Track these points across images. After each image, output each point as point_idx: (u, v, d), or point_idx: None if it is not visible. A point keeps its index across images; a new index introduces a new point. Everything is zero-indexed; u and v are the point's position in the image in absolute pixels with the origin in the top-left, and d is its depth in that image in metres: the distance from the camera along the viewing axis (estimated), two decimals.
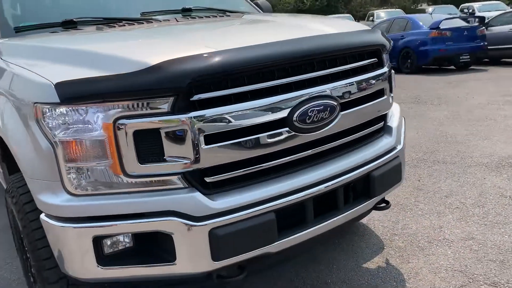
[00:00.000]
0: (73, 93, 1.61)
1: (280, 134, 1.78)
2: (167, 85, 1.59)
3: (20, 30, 2.54)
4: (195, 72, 1.61)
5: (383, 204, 2.34)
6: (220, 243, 1.69)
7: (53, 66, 1.85)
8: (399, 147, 2.27)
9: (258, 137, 1.74)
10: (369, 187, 2.09)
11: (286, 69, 1.80)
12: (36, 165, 1.74)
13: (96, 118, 1.62)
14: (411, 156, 4.62)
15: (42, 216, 1.75)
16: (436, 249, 2.79)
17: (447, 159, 4.50)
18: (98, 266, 1.69)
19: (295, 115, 1.78)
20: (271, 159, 1.81)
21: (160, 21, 2.63)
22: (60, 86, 1.61)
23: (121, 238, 1.72)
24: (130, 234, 1.72)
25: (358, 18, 31.35)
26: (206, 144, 1.65)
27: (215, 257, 1.70)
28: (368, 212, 2.32)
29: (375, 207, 2.29)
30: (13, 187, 2.04)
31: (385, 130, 2.28)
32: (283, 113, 1.76)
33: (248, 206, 1.74)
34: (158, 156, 1.65)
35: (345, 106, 1.97)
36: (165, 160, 1.65)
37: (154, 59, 1.64)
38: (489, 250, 2.74)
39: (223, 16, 2.93)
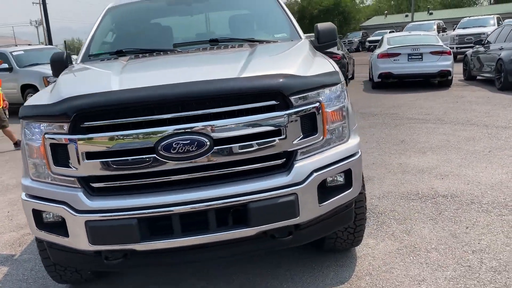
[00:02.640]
0: (25, 113, 2.47)
1: (148, 159, 2.24)
2: (63, 114, 2.28)
3: (91, 55, 3.59)
4: (78, 107, 2.25)
5: (288, 236, 2.46)
6: (92, 232, 2.30)
7: (61, 85, 2.70)
8: (300, 186, 2.35)
9: (127, 159, 2.25)
10: (246, 217, 2.31)
11: (152, 108, 2.25)
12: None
13: (39, 131, 2.43)
14: None
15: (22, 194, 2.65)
16: None
17: None
18: (37, 229, 2.52)
19: (160, 146, 2.22)
20: (143, 177, 2.29)
21: (175, 52, 3.29)
22: (22, 108, 2.49)
23: (49, 214, 2.50)
24: (51, 213, 2.48)
25: None
26: (87, 159, 2.28)
27: (90, 241, 2.32)
28: (268, 242, 2.48)
29: (274, 237, 2.44)
30: None
31: (288, 168, 2.39)
32: (149, 143, 2.22)
33: (115, 210, 2.28)
34: (64, 162, 2.35)
35: (220, 142, 2.26)
36: (67, 166, 2.34)
37: (68, 94, 2.35)
38: None
39: (241, 46, 3.33)
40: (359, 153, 2.68)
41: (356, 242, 3.13)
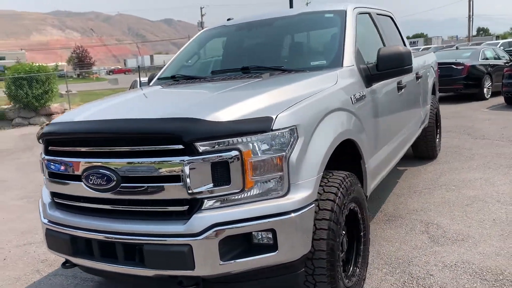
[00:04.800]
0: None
1: (79, 184, 2.50)
2: (40, 138, 2.76)
3: (160, 78, 4.05)
4: (44, 132, 2.68)
5: (196, 286, 2.33)
6: (46, 237, 2.73)
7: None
8: (195, 238, 2.20)
9: (64, 181, 2.58)
10: (142, 257, 2.32)
11: (86, 141, 2.49)
12: None
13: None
14: None
15: None
16: None
17: None
18: None
19: (83, 175, 2.45)
20: (76, 200, 2.57)
21: (206, 80, 3.43)
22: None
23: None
24: None
25: None
26: (48, 176, 2.70)
27: (47, 245, 2.75)
28: (163, 281, 2.43)
29: (183, 284, 2.34)
30: None
31: (189, 217, 2.26)
32: (79, 171, 2.48)
33: (59, 224, 2.63)
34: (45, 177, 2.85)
35: (126, 180, 2.33)
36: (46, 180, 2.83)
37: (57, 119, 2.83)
38: None
39: (258, 76, 3.21)
40: (299, 212, 2.29)
41: None
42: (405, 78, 4.45)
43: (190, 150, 2.23)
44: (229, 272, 2.28)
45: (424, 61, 5.87)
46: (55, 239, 2.68)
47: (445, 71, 12.72)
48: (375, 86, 3.50)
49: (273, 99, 2.55)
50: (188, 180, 2.22)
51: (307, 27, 4.00)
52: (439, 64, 12.93)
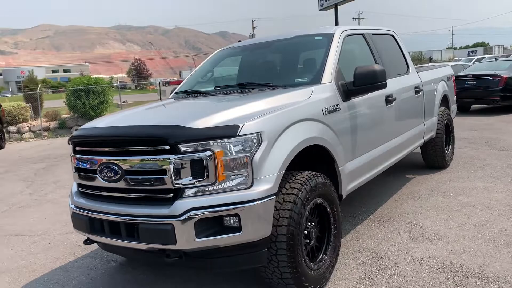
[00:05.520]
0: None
1: (95, 176, 3.21)
2: (69, 140, 3.52)
3: (177, 92, 4.76)
4: (72, 136, 3.44)
5: (180, 258, 2.94)
6: (72, 219, 3.46)
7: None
8: (176, 219, 2.81)
9: (85, 175, 3.30)
10: (138, 234, 2.96)
11: (100, 142, 3.20)
12: None
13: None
14: None
15: None
16: None
17: None
18: None
19: (98, 169, 3.16)
20: (97, 189, 3.28)
21: (209, 94, 4.09)
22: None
23: None
24: None
25: None
26: (75, 171, 3.44)
27: (73, 225, 3.48)
28: (156, 254, 3.07)
29: (169, 256, 2.97)
30: None
31: (172, 202, 2.87)
32: (95, 166, 3.19)
33: (81, 208, 3.35)
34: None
35: (128, 173, 3.00)
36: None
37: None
38: None
39: (249, 91, 3.84)
40: (260, 201, 2.86)
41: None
42: (399, 92, 4.89)
43: (174, 150, 2.86)
44: (203, 247, 2.89)
45: (430, 75, 6.21)
46: (78, 220, 3.40)
47: (482, 83, 12.71)
48: (356, 99, 3.99)
49: (248, 110, 3.15)
50: (172, 174, 2.86)
51: (299, 48, 4.57)
52: (475, 76, 13.02)
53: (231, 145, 2.87)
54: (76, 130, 3.61)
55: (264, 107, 3.23)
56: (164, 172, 2.89)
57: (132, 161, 3.00)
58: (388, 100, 4.60)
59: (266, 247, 3.01)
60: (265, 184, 2.92)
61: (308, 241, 3.28)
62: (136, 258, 3.89)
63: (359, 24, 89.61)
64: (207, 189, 2.88)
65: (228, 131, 2.88)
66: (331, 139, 3.59)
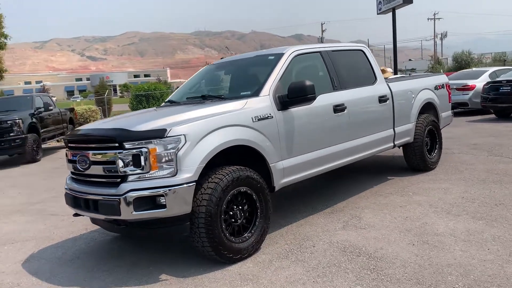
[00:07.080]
0: None
1: (75, 164, 4.37)
2: (64, 139, 4.72)
3: (166, 101, 5.87)
4: (66, 136, 4.64)
5: (125, 226, 4.02)
6: (65, 197, 4.66)
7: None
8: (120, 197, 3.85)
9: (73, 165, 4.47)
10: (98, 208, 4.06)
11: (79, 140, 4.35)
12: None
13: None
14: None
15: None
16: None
17: None
18: None
19: (77, 159, 4.31)
20: (78, 175, 4.44)
21: (179, 103, 5.14)
22: None
23: None
24: None
25: None
26: (67, 162, 4.65)
27: (66, 202, 4.69)
28: (112, 223, 4.16)
29: (119, 224, 4.05)
30: None
31: (119, 185, 3.93)
32: (76, 158, 4.35)
33: (69, 189, 4.54)
34: None
35: (93, 163, 4.12)
36: None
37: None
38: None
39: (202, 102, 4.85)
40: (180, 186, 3.83)
41: (207, 251, 4.06)
42: (354, 101, 5.59)
43: (121, 147, 3.93)
44: (140, 218, 3.92)
45: (405, 85, 6.76)
46: (67, 198, 4.59)
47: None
48: (294, 109, 4.81)
49: (185, 117, 4.15)
50: (119, 164, 3.93)
51: (254, 66, 5.48)
52: (510, 81, 12.85)
53: (161, 143, 3.87)
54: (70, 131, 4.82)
55: (199, 114, 4.21)
56: (114, 162, 3.97)
57: (95, 155, 4.12)
58: (338, 108, 5.33)
59: (188, 221, 3.98)
60: (186, 174, 3.89)
61: (233, 220, 4.19)
62: (114, 230, 5.01)
63: (434, 25, 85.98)
64: (144, 176, 3.91)
65: (159, 133, 3.89)
66: (261, 141, 4.46)
